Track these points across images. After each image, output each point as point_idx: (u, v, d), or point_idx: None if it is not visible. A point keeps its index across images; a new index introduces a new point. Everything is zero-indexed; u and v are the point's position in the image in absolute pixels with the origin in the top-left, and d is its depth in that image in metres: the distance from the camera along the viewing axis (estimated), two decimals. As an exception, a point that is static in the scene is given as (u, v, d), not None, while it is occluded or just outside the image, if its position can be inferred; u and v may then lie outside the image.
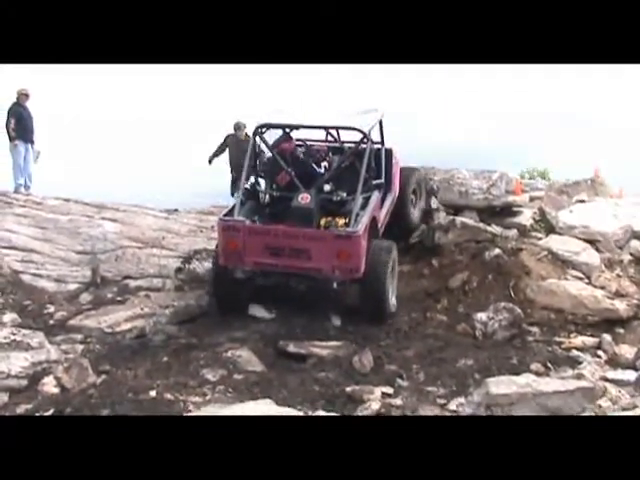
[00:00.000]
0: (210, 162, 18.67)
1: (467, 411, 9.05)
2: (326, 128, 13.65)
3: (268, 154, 13.41)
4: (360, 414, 9.22)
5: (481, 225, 14.84)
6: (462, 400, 9.52)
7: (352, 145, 13.39)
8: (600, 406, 8.97)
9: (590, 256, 14.28)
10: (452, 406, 9.51)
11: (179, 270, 14.80)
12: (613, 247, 14.68)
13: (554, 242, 14.61)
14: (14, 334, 11.30)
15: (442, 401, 9.75)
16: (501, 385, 9.03)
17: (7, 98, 18.47)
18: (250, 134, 14.93)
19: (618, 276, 13.73)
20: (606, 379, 10.13)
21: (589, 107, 52.38)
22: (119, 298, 13.82)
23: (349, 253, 11.71)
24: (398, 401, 9.72)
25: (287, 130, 13.62)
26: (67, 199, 17.49)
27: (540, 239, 14.87)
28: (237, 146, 18.29)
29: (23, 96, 18.28)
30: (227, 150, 18.55)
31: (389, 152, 14.04)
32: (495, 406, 8.73)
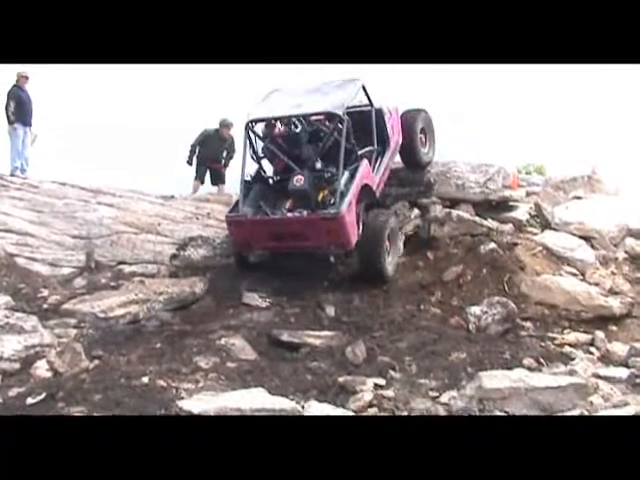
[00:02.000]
0: (190, 163, 18.78)
1: (459, 404, 9.06)
2: (304, 116, 13.85)
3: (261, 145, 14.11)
4: (352, 405, 9.23)
5: (477, 219, 14.84)
6: (454, 393, 9.51)
7: (330, 120, 13.77)
8: (592, 403, 8.98)
9: (585, 253, 14.30)
10: (444, 399, 9.49)
11: (174, 257, 14.79)
12: (608, 244, 14.69)
13: (549, 238, 14.63)
14: (7, 317, 11.28)
15: (434, 394, 9.73)
16: (494, 379, 9.06)
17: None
18: (232, 134, 17.76)
19: (612, 273, 13.75)
20: (598, 376, 10.14)
21: (589, 103, 52.36)
22: (113, 283, 13.80)
23: (337, 231, 12.74)
24: (390, 392, 9.71)
25: (272, 121, 14.10)
26: (63, 183, 17.43)
27: (535, 234, 14.88)
28: (218, 142, 18.44)
29: (23, 78, 18.18)
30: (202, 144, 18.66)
31: (379, 112, 14.48)
32: (487, 400, 8.76)
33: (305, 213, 13.05)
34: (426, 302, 13.00)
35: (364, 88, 14.11)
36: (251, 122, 13.83)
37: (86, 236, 15.11)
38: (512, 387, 8.88)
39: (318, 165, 13.65)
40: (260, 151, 14.12)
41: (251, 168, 14.11)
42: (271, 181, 14.29)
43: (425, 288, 13.39)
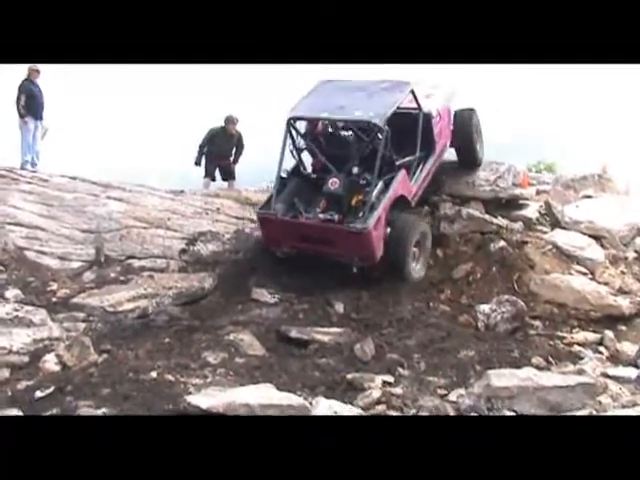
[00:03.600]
0: (198, 163, 18.83)
1: (467, 403, 9.04)
2: (345, 121, 13.79)
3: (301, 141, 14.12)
4: (360, 402, 9.22)
5: (487, 217, 14.82)
6: (462, 391, 9.50)
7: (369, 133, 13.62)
8: (600, 402, 8.95)
9: (595, 252, 14.27)
10: (452, 397, 9.49)
11: (183, 251, 14.80)
12: (618, 244, 14.66)
13: (559, 236, 14.60)
14: (17, 310, 11.30)
15: (442, 391, 9.73)
16: (502, 378, 9.03)
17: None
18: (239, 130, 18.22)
19: (622, 273, 13.72)
20: (607, 375, 10.11)
21: (603, 103, 52.23)
22: (122, 278, 13.82)
23: (362, 246, 12.68)
24: (398, 390, 9.70)
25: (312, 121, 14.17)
26: (73, 177, 17.44)
27: (545, 233, 14.86)
28: (225, 139, 18.48)
29: (34, 72, 18.17)
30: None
31: (426, 116, 14.24)
32: (495, 399, 8.73)
33: (336, 217, 12.99)
34: (435, 300, 13.00)
35: (413, 92, 13.77)
36: (292, 119, 13.71)
37: (96, 230, 15.12)
38: (520, 386, 8.85)
39: (355, 170, 13.48)
40: (300, 147, 14.10)
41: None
42: (308, 178, 14.15)
43: (434, 286, 13.39)
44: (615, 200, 16.76)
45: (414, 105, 13.92)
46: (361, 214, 12.80)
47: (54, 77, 19.17)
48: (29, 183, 16.75)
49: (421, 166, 14.28)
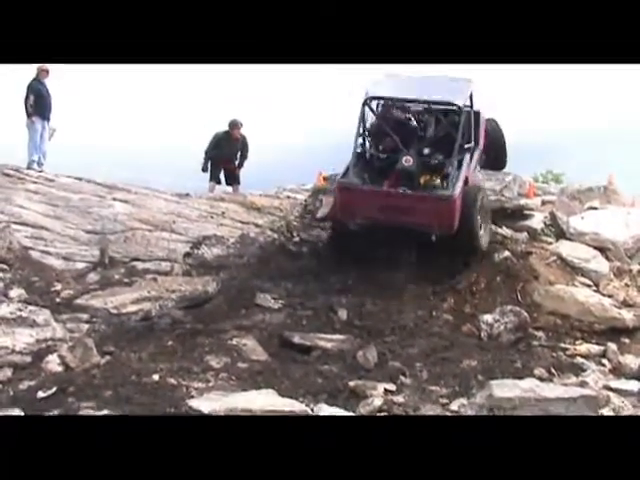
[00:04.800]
0: (205, 169, 18.90)
1: (469, 413, 9.04)
2: (427, 102, 14.49)
3: (373, 121, 14.57)
4: (362, 410, 9.22)
5: (492, 226, 14.79)
6: (464, 401, 9.51)
7: (447, 111, 14.54)
8: (602, 415, 8.96)
9: (599, 264, 14.25)
10: (454, 406, 9.49)
11: (188, 255, 14.82)
12: (623, 256, 14.64)
13: (564, 247, 14.58)
14: (20, 310, 11.33)
15: (444, 401, 9.73)
16: (504, 388, 9.03)
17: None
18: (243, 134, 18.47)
19: (626, 285, 13.70)
20: (609, 388, 10.12)
21: (611, 114, 52.31)
22: (126, 280, 13.83)
23: (446, 213, 13.13)
24: (400, 398, 9.71)
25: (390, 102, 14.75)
26: (79, 178, 17.49)
27: (550, 244, 14.84)
28: (229, 144, 18.53)
29: (43, 72, 18.19)
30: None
31: (477, 114, 14.91)
32: (497, 409, 8.72)
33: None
34: (438, 309, 12.96)
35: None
36: (370, 99, 14.23)
37: (100, 231, 15.16)
38: (523, 397, 8.85)
39: (426, 151, 13.97)
40: (370, 127, 14.47)
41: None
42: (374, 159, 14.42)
43: (438, 294, 13.33)
44: (620, 212, 16.71)
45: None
46: (444, 184, 13.44)
47: (61, 78, 19.20)
48: (35, 183, 16.80)
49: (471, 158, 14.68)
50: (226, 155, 19.01)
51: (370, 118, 14.51)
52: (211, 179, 19.12)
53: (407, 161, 13.60)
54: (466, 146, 14.16)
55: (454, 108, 14.07)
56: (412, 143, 14.05)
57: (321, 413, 8.80)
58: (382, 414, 9.22)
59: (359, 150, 14.21)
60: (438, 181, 13.60)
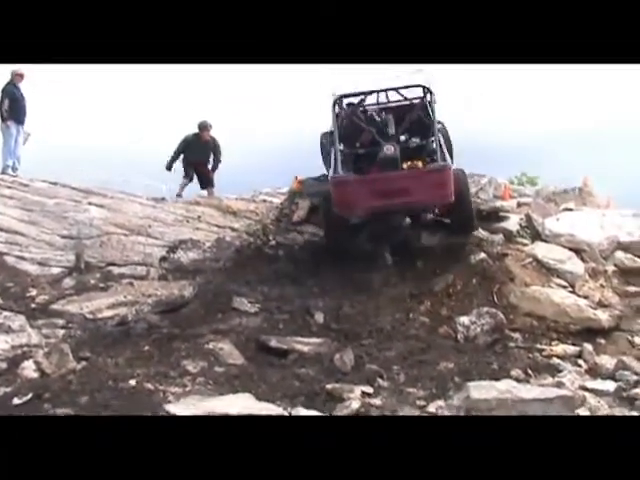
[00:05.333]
0: (169, 168, 18.80)
1: (446, 414, 9.07)
2: (396, 89, 15.19)
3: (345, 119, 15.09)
4: (339, 413, 9.23)
5: (467, 229, 14.84)
6: (441, 403, 9.53)
7: (414, 100, 15.21)
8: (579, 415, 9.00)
9: (575, 265, 14.30)
10: (431, 408, 9.50)
11: (164, 259, 14.78)
12: (598, 257, 14.68)
13: (539, 249, 14.63)
14: (-5, 316, 11.27)
15: (421, 403, 9.74)
16: (481, 390, 9.07)
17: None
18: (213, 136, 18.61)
19: (602, 286, 13.75)
20: (586, 389, 10.16)
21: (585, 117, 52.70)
22: (102, 285, 13.77)
23: (442, 183, 13.47)
24: (377, 401, 9.72)
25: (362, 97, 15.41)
26: (54, 182, 17.42)
27: (526, 245, 14.87)
28: (199, 146, 18.47)
29: (17, 77, 18.10)
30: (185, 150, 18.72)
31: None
32: (475, 411, 8.76)
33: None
34: (415, 311, 12.96)
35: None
36: (340, 97, 14.79)
37: (76, 236, 15.09)
38: (499, 398, 8.89)
39: (402, 138, 14.68)
40: (345, 127, 14.87)
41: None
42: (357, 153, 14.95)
43: (414, 297, 13.33)
44: (595, 214, 16.79)
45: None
46: (433, 158, 13.89)
47: (35, 82, 19.11)
48: (9, 188, 16.72)
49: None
50: (197, 158, 18.95)
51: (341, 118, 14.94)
52: (185, 176, 19.03)
53: (388, 149, 13.98)
54: (438, 126, 14.48)
55: (420, 90, 14.60)
56: (387, 134, 14.68)
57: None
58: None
59: (341, 148, 14.44)
60: (420, 164, 14.09)
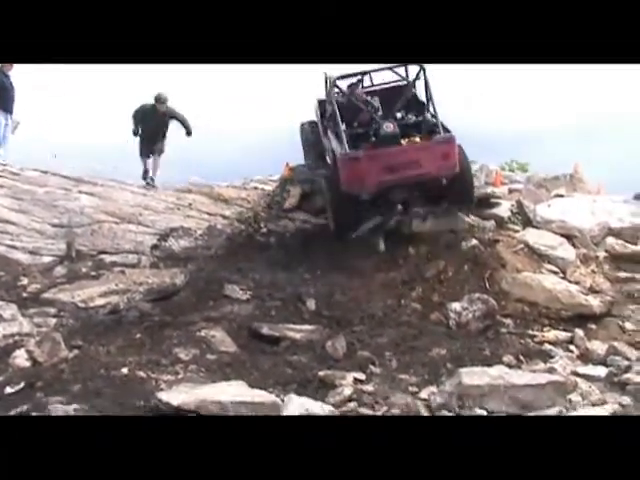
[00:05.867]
0: (135, 133, 18.53)
1: (438, 400, 9.10)
2: (391, 68, 15.43)
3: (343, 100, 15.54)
4: (332, 399, 9.25)
5: (459, 215, 14.85)
6: (434, 389, 9.57)
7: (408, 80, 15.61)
8: (570, 401, 9.06)
9: (566, 251, 14.32)
10: (424, 394, 9.55)
11: (155, 247, 14.75)
12: (589, 243, 14.71)
13: (531, 235, 14.64)
14: (-14, 305, 11.25)
15: (414, 389, 9.79)
16: (473, 376, 9.10)
17: None
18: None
19: (593, 272, 13.78)
20: (577, 374, 10.21)
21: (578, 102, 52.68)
22: (93, 273, 13.72)
23: (449, 154, 13.97)
24: (370, 387, 9.75)
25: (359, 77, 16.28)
26: (45, 171, 17.34)
27: (517, 232, 14.88)
28: (155, 118, 18.23)
29: (7, 65, 17.97)
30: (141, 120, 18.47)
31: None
32: (467, 397, 8.81)
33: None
34: (407, 297, 12.98)
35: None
36: (337, 78, 15.27)
37: (67, 225, 15.03)
38: (491, 384, 8.93)
39: (399, 115, 15.40)
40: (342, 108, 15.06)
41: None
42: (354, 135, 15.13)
43: (406, 283, 13.34)
44: (586, 200, 16.80)
45: None
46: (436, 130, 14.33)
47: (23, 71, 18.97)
48: (-1, 177, 16.64)
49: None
50: (153, 130, 18.60)
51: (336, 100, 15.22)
52: (141, 154, 18.71)
53: (388, 127, 14.34)
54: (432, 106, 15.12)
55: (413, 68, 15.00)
56: (384, 112, 15.29)
57: (291, 403, 8.79)
58: (352, 403, 9.26)
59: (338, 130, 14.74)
60: (418, 139, 14.60)
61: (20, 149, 18.86)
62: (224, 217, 15.85)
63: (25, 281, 13.11)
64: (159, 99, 18.28)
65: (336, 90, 15.42)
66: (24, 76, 18.93)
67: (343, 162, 14.17)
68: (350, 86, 16.06)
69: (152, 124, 18.37)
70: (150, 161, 18.64)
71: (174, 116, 18.58)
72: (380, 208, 14.48)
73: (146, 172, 18.46)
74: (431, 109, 14.91)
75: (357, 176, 13.88)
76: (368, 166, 13.85)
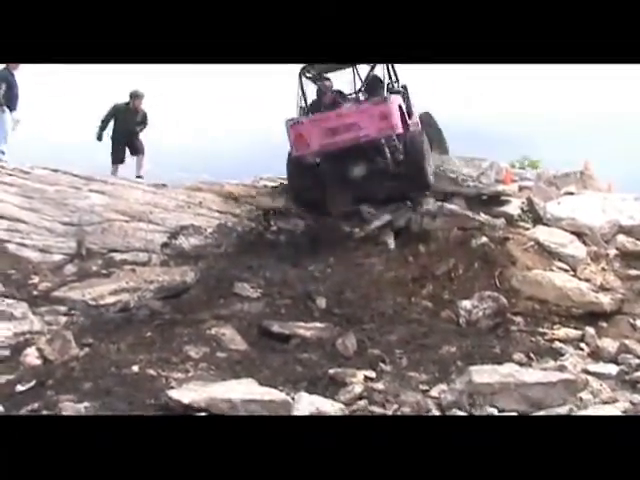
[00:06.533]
0: (100, 138, 18.39)
1: (449, 398, 9.10)
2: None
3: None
4: (342, 397, 9.25)
5: (469, 213, 14.84)
6: (444, 387, 9.57)
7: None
8: (581, 399, 9.05)
9: (576, 248, 14.31)
10: (434, 392, 9.56)
11: (165, 245, 14.73)
12: (599, 241, 14.69)
13: (541, 233, 14.63)
14: (-3, 303, 11.27)
15: (424, 387, 9.79)
16: (484, 374, 9.10)
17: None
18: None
19: (603, 270, 13.76)
20: (588, 372, 10.20)
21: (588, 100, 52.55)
22: (104, 271, 13.71)
23: (387, 114, 14.94)
24: (380, 385, 9.75)
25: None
26: (55, 169, 17.31)
27: (527, 229, 14.88)
28: (130, 115, 18.12)
29: (13, 64, 17.97)
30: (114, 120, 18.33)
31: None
32: (477, 395, 8.80)
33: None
34: (417, 295, 12.98)
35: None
36: (306, 67, 16.07)
37: (77, 223, 15.00)
38: (502, 382, 8.92)
39: (362, 97, 16.60)
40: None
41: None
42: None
43: (416, 281, 13.34)
44: (597, 197, 16.79)
45: None
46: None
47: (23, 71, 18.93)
48: (10, 175, 16.61)
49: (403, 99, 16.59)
50: (128, 129, 18.40)
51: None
52: (113, 162, 18.45)
53: (350, 108, 15.65)
54: (395, 88, 16.45)
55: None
56: (348, 95, 16.86)
57: (301, 401, 8.81)
58: (362, 401, 9.26)
59: (302, 105, 16.29)
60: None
61: (20, 147, 18.84)
62: (234, 215, 15.82)
63: (36, 279, 13.11)
64: (135, 95, 18.20)
65: (306, 76, 16.39)
66: (24, 76, 18.95)
67: (290, 127, 15.45)
68: (319, 74, 16.83)
69: (127, 122, 18.25)
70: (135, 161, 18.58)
71: (145, 118, 18.48)
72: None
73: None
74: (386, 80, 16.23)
75: (301, 139, 15.32)
76: (310, 129, 15.24)
